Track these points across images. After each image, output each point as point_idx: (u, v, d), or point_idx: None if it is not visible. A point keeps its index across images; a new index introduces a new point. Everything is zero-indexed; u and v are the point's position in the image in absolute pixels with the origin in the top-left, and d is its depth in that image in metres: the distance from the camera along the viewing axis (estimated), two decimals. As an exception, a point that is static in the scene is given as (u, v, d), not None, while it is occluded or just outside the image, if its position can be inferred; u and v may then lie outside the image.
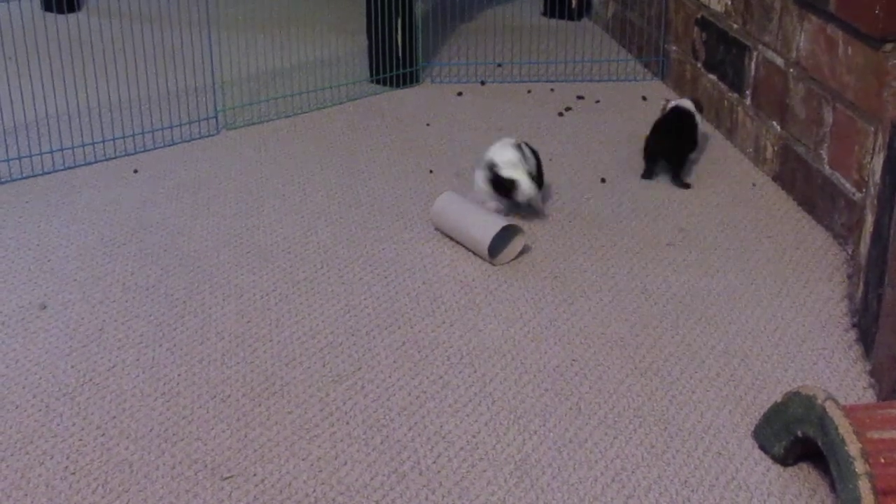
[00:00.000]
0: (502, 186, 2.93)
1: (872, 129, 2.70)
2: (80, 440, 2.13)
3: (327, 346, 2.44)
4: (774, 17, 3.21)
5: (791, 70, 3.13)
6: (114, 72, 3.68)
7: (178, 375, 2.34)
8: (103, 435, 2.15)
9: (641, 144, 3.38)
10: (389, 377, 2.34)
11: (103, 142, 3.45)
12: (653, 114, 3.58)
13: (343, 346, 2.44)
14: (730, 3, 3.52)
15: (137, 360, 2.39)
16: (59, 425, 2.17)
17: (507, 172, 2.92)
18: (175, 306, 2.60)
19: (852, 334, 2.50)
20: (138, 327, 2.51)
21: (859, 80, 2.76)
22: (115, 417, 2.20)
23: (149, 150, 3.48)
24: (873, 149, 2.64)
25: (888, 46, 2.64)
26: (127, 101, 3.73)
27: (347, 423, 2.19)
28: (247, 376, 2.34)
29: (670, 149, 3.29)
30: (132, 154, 3.46)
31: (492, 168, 2.94)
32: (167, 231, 2.96)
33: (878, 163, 2.48)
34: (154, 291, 2.66)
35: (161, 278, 2.72)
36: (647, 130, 3.46)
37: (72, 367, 2.36)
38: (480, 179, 2.98)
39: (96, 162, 3.39)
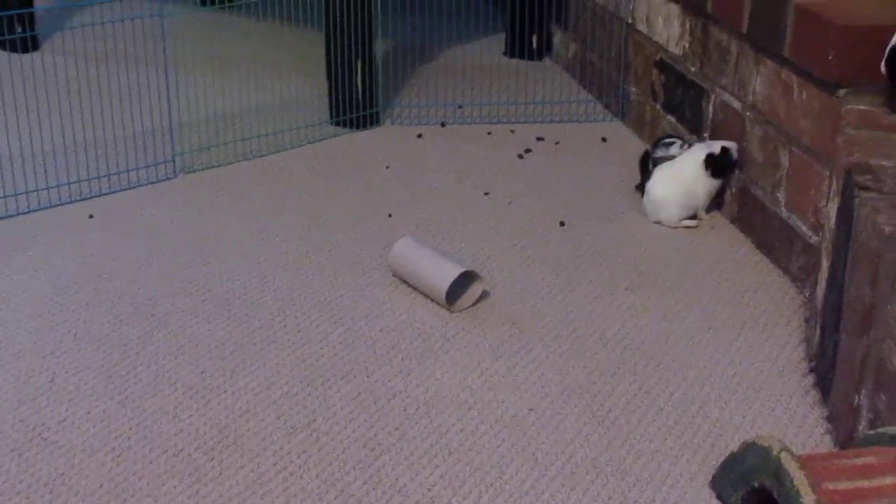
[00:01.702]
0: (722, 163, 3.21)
1: (828, 173, 2.70)
2: (27, 498, 2.09)
3: (282, 397, 2.42)
4: (731, 61, 3.22)
5: (748, 113, 3.14)
6: (69, 113, 3.65)
7: (130, 429, 2.30)
8: (51, 492, 2.10)
9: (601, 186, 3.47)
10: (345, 429, 2.31)
11: (58, 186, 3.42)
12: (612, 154, 3.60)
13: (298, 397, 2.42)
14: (687, 45, 3.53)
15: (88, 412, 2.36)
16: (5, 482, 2.13)
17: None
18: (128, 356, 2.57)
19: (810, 379, 2.49)
20: (90, 379, 2.48)
21: (815, 124, 2.77)
22: (63, 474, 2.16)
23: (105, 195, 3.45)
24: (829, 193, 2.64)
25: (842, 92, 2.65)
26: (83, 144, 3.69)
27: (301, 476, 2.16)
28: (199, 429, 2.31)
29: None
30: (88, 198, 3.42)
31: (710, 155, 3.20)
32: (122, 278, 2.93)
33: (833, 208, 2.48)
34: (107, 341, 2.63)
35: (114, 327, 2.69)
36: (607, 171, 3.53)
37: (20, 420, 2.32)
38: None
39: (51, 207, 3.35)
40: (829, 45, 2.67)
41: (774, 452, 1.92)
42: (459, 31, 4.96)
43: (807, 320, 2.71)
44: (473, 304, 2.80)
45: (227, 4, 4.95)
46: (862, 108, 2.55)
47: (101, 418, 2.34)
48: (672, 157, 3.33)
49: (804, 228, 2.84)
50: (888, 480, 1.78)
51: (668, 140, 3.43)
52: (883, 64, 2.50)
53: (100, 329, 2.68)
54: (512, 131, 4.04)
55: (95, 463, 2.19)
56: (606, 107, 4.22)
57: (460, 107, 4.25)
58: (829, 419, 2.33)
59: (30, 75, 3.94)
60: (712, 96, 3.37)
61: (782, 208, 2.95)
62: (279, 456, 2.22)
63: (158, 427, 2.31)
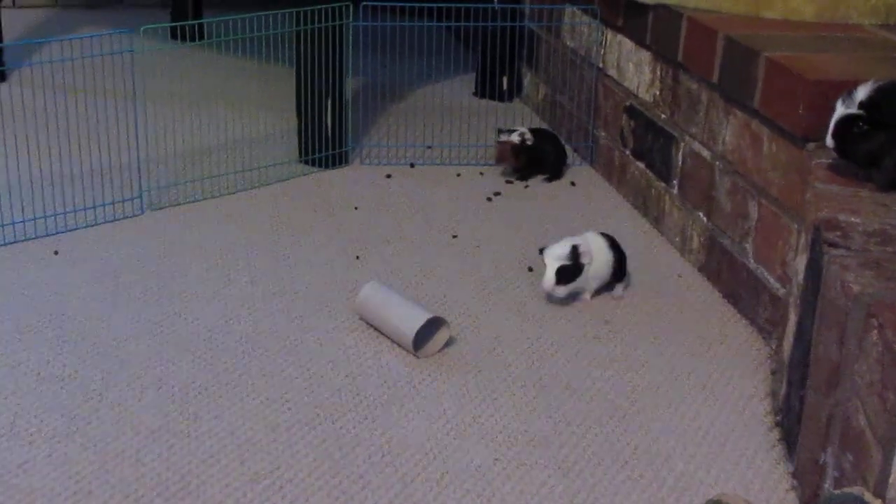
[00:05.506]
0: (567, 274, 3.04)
1: (796, 226, 2.71)
2: (-15, 545, 2.06)
3: (246, 443, 2.39)
4: (701, 110, 3.24)
5: (717, 163, 3.15)
6: (35, 147, 3.62)
7: (91, 473, 2.27)
8: (9, 539, 2.08)
9: (570, 231, 3.43)
10: (308, 476, 2.29)
11: (24, 221, 3.39)
12: (581, 199, 3.60)
13: (262, 443, 2.39)
14: (658, 93, 3.55)
15: (49, 455, 2.32)
16: (-38, 529, 2.10)
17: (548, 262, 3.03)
18: (90, 398, 2.54)
19: (775, 433, 2.49)
20: (51, 420, 2.45)
21: (783, 177, 2.78)
22: (22, 519, 2.13)
23: (71, 231, 3.42)
24: (797, 246, 2.65)
25: (811, 146, 2.66)
26: (49, 179, 3.67)
27: (264, 526, 2.14)
28: (162, 474, 2.28)
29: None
30: (53, 234, 3.39)
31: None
32: (86, 317, 2.90)
33: (801, 261, 2.49)
34: (70, 382, 2.60)
35: (77, 368, 2.66)
36: (575, 217, 3.51)
37: (-20, 464, 2.29)
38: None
39: (15, 242, 3.32)
40: (798, 98, 2.68)
41: (740, 511, 1.92)
42: (430, 71, 4.97)
43: (773, 373, 2.71)
44: (440, 351, 2.79)
45: (197, 40, 4.94)
46: (831, 162, 2.56)
47: (63, 461, 2.30)
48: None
49: (772, 280, 2.85)
50: (853, 543, 1.78)
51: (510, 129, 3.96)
52: (829, 137, 2.45)
53: (62, 370, 2.65)
54: (481, 173, 4.05)
55: (55, 508, 2.16)
56: (576, 151, 4.23)
57: (430, 147, 4.25)
58: (795, 475, 2.33)
59: (-3, 107, 3.91)
60: (682, 144, 3.38)
61: (750, 259, 2.96)
62: (242, 504, 2.20)
63: (120, 471, 2.28)
